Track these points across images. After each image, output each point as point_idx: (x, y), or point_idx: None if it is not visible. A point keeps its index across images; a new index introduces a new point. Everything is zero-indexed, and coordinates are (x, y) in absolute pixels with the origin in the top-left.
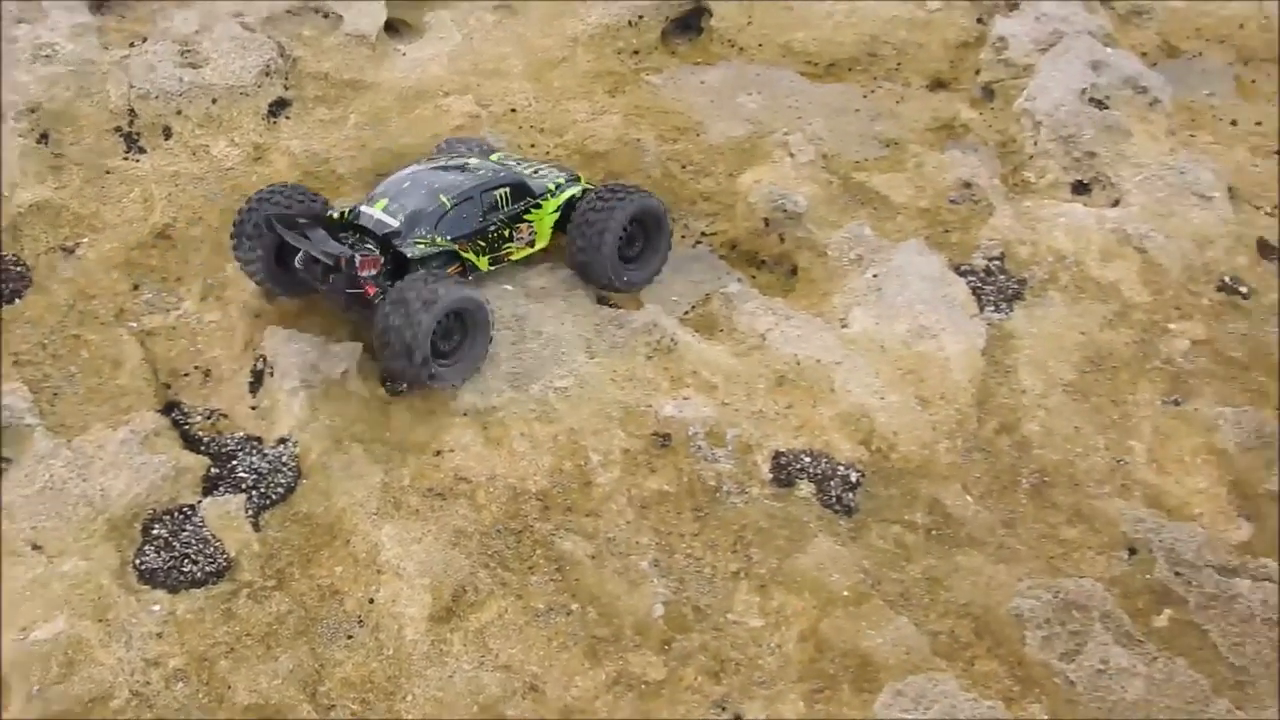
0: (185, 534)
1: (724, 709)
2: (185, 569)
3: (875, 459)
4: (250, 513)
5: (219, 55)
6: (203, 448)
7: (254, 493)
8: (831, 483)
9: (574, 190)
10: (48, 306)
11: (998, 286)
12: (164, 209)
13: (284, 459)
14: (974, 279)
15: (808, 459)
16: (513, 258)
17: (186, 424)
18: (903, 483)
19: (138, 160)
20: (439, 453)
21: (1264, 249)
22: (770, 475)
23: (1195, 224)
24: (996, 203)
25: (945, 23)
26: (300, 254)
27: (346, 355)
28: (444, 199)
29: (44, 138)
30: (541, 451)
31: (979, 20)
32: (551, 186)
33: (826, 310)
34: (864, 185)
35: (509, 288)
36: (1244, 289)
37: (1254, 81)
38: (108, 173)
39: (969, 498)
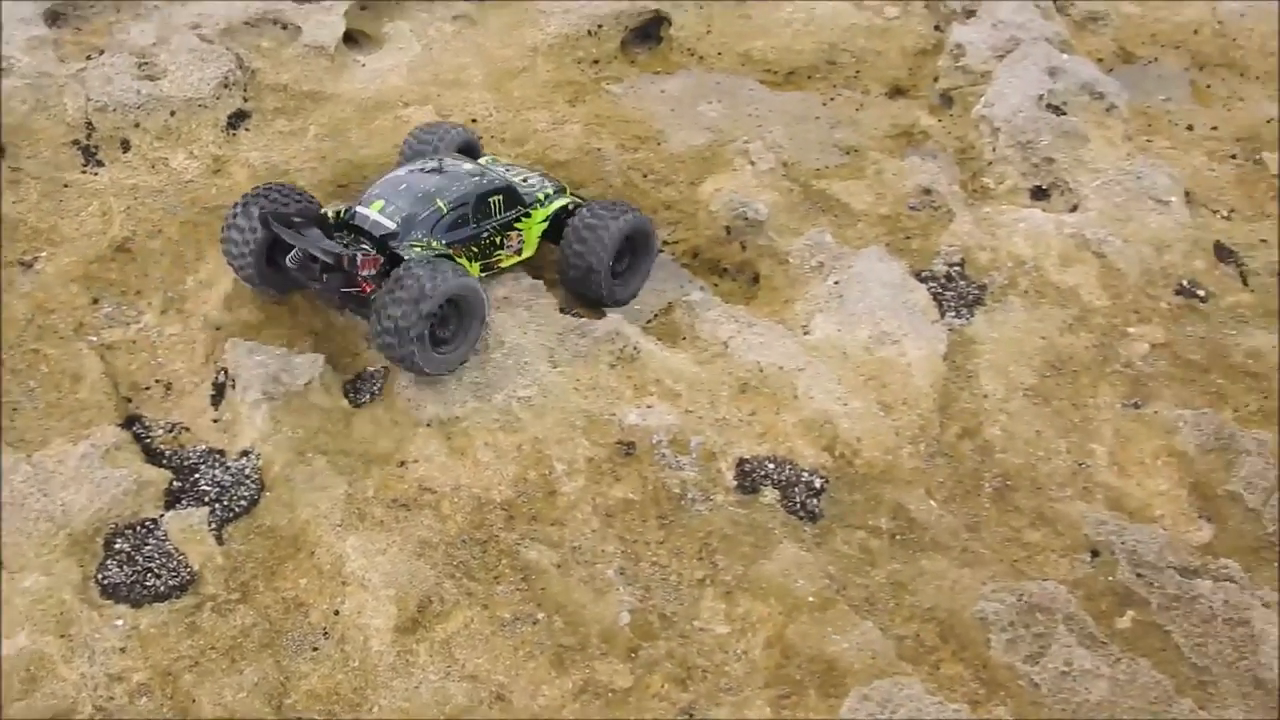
0: (148, 548)
1: (691, 716)
2: (148, 583)
3: (839, 465)
4: (213, 526)
5: (177, 67)
6: (165, 461)
7: (217, 506)
8: (796, 489)
9: (562, 202)
10: (6, 321)
11: (958, 292)
12: (123, 222)
13: (247, 471)
14: (935, 285)
15: (772, 466)
16: (502, 265)
17: (148, 438)
18: (866, 488)
19: (96, 173)
20: (403, 463)
21: (1221, 252)
22: (735, 482)
23: (1153, 228)
24: (956, 209)
25: (903, 30)
26: (293, 252)
27: (309, 367)
28: (441, 204)
29: (0, 151)
30: (506, 461)
31: (937, 28)
32: (541, 197)
33: (788, 317)
34: (824, 192)
35: None
36: (1202, 292)
37: (1209, 86)
38: (66, 186)
39: (933, 502)
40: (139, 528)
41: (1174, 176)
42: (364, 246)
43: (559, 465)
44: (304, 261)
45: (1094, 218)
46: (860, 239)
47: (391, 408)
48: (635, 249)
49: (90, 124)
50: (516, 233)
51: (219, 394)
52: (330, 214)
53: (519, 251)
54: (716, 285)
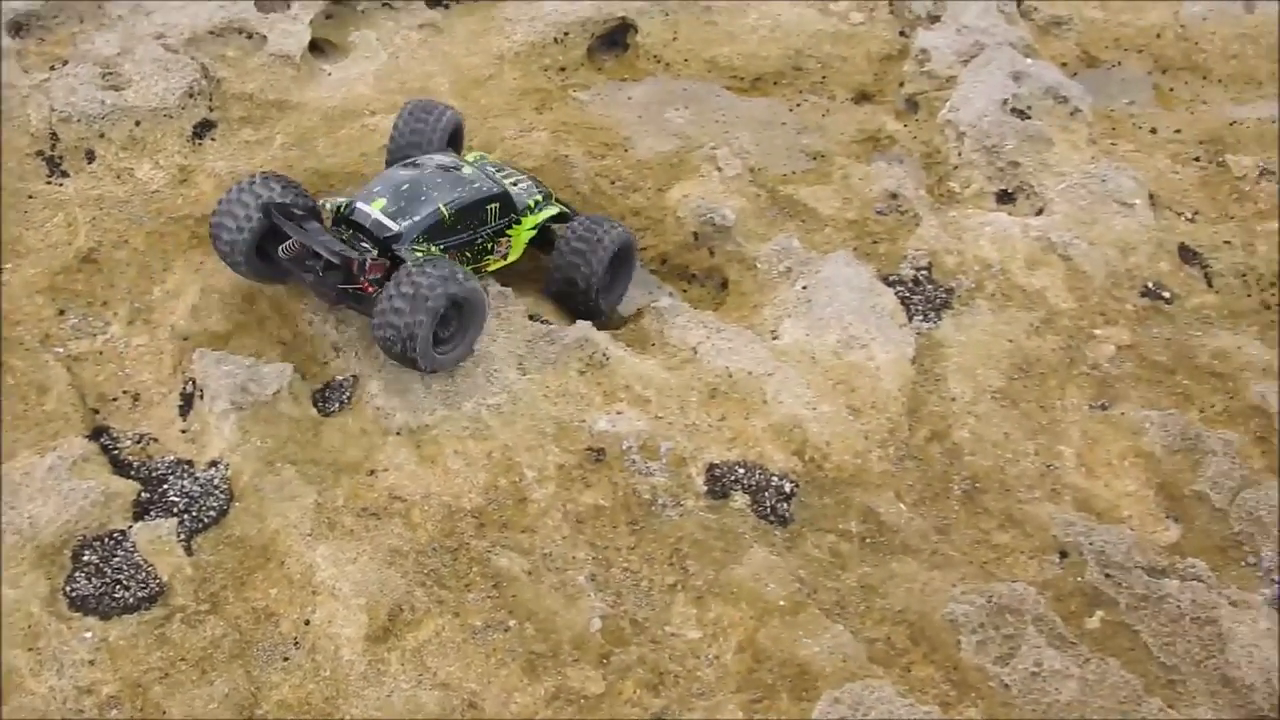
0: (116, 560)
1: None
2: (117, 595)
3: (809, 469)
4: (182, 537)
5: (141, 77)
6: (133, 472)
7: (186, 516)
8: (766, 493)
9: (552, 211)
10: None
11: (926, 296)
12: (88, 233)
13: (216, 482)
14: (902, 289)
15: (742, 470)
16: (489, 269)
17: (116, 449)
18: (836, 492)
19: (60, 184)
20: (372, 472)
21: (1185, 254)
22: (705, 487)
23: (1118, 231)
24: (923, 213)
25: (868, 36)
26: (287, 243)
27: (277, 376)
28: (444, 210)
29: None
30: (476, 469)
31: (901, 33)
32: (531, 203)
33: (757, 322)
34: (792, 198)
35: None
36: (1167, 294)
37: (1172, 90)
38: (30, 197)
39: (902, 505)
40: (107, 539)
41: (1138, 179)
42: (364, 246)
43: (529, 472)
44: (299, 254)
45: (1059, 221)
46: (828, 244)
47: (360, 417)
48: (619, 262)
49: (55, 135)
50: (506, 239)
51: (187, 404)
52: (328, 207)
53: (505, 256)
54: (685, 291)
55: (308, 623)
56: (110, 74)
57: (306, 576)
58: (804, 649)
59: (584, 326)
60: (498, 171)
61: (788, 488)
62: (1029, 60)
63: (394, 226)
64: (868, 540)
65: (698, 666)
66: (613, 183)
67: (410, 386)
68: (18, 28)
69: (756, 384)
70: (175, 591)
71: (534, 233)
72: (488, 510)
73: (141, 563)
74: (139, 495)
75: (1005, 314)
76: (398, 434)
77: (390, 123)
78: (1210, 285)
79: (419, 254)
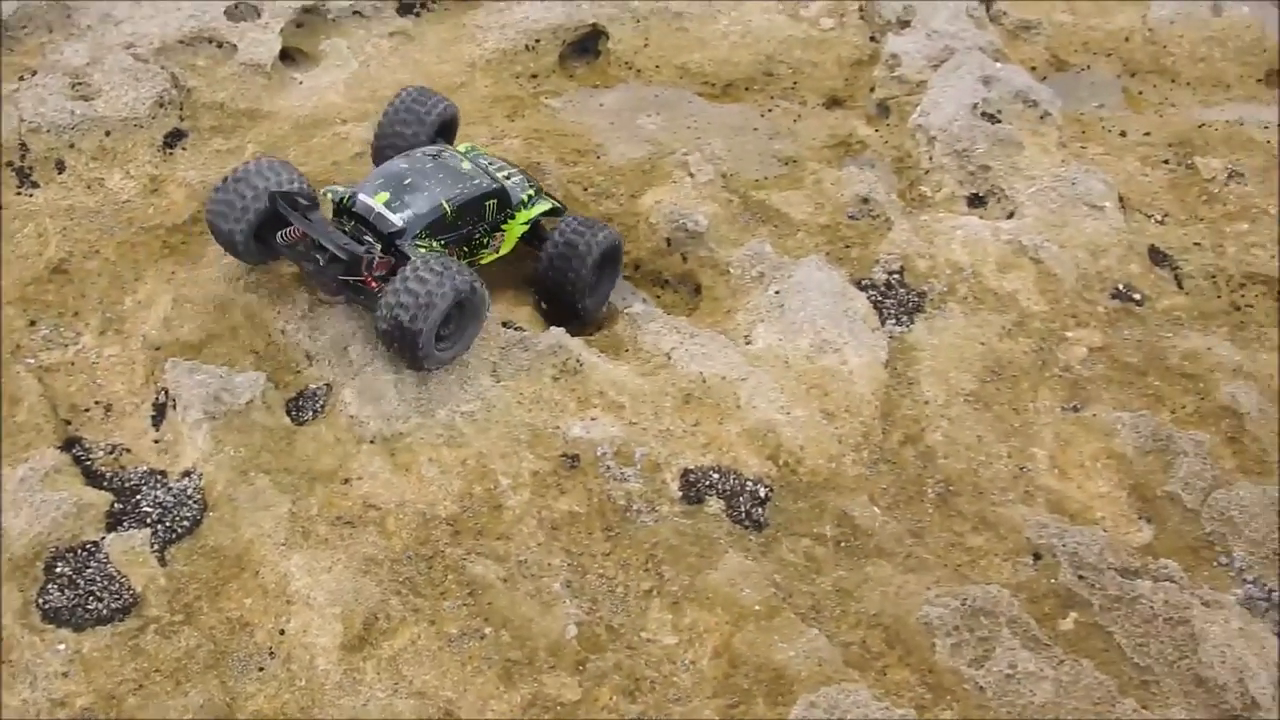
0: (89, 571)
1: None
2: (90, 606)
3: (783, 473)
4: (156, 547)
5: (111, 87)
6: (105, 483)
7: (159, 527)
8: (740, 498)
9: (544, 206)
10: None
11: (898, 300)
12: (59, 243)
13: (189, 492)
14: (874, 293)
15: (716, 475)
16: (482, 262)
17: (88, 460)
18: (811, 496)
19: (31, 195)
20: (347, 481)
21: (1155, 256)
22: (679, 493)
23: (1088, 233)
24: (894, 217)
25: (839, 41)
26: (287, 230)
27: (250, 385)
28: (446, 206)
29: None
30: (450, 476)
31: (872, 38)
32: (524, 198)
33: (730, 328)
34: (764, 203)
35: None
36: (1137, 296)
37: (1141, 93)
38: None
39: (876, 509)
40: (80, 551)
41: (1108, 182)
42: (368, 239)
43: (504, 479)
44: (297, 242)
45: (1030, 224)
46: (800, 248)
47: (334, 425)
48: (606, 264)
49: (24, 145)
50: (500, 233)
51: (159, 415)
52: (330, 197)
53: (497, 249)
54: (658, 297)
55: (282, 632)
56: (80, 84)
57: (281, 586)
58: (780, 653)
59: (557, 333)
60: (490, 165)
61: (762, 492)
62: (999, 64)
63: (397, 221)
64: (842, 544)
65: (674, 672)
66: (585, 189)
67: (384, 394)
68: None
69: (730, 389)
70: (149, 602)
71: (527, 228)
72: (462, 518)
73: (115, 574)
74: (112, 506)
75: (977, 317)
76: (372, 442)
77: (362, 131)
78: (1180, 287)
79: (422, 249)
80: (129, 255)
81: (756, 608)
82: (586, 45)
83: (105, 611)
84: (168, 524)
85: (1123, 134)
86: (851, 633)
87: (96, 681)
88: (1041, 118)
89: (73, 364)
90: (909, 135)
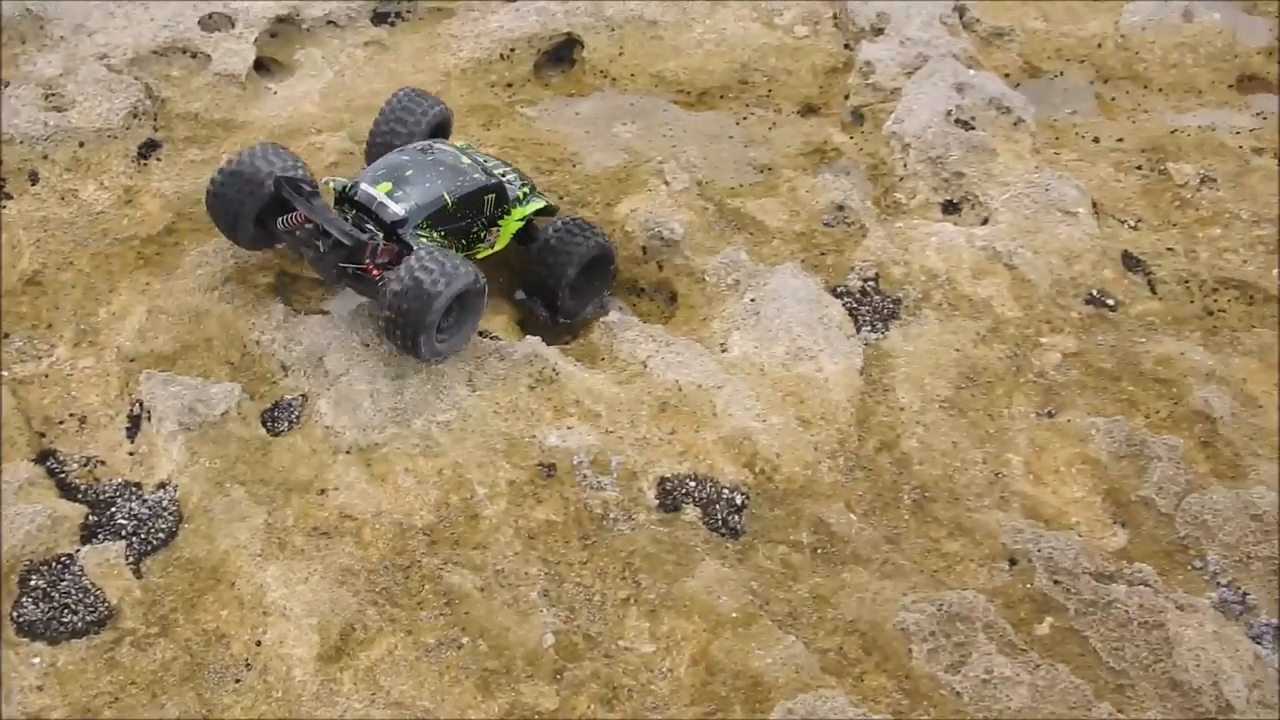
0: (64, 584)
1: None
2: (65, 619)
3: (759, 481)
4: (131, 559)
5: (84, 98)
6: (80, 496)
7: (134, 539)
8: (717, 506)
9: (539, 204)
10: None
11: (873, 307)
12: (33, 255)
13: (164, 504)
14: (850, 300)
15: (693, 483)
16: (477, 257)
17: (62, 472)
18: (787, 503)
19: (4, 206)
20: (323, 491)
21: (1128, 261)
22: (656, 501)
23: (1062, 239)
24: (869, 224)
25: (813, 49)
26: (288, 216)
27: (225, 397)
28: (447, 197)
29: None
30: (426, 486)
31: (846, 46)
32: (520, 195)
33: (706, 335)
34: (739, 211)
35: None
36: (1111, 301)
37: (1113, 99)
38: None
39: (852, 516)
40: (55, 563)
41: (1081, 188)
42: (370, 228)
43: (480, 489)
44: (298, 228)
45: (1004, 230)
46: (775, 256)
47: (310, 436)
48: (597, 267)
49: None
50: (497, 228)
51: (134, 426)
52: (332, 186)
53: (492, 245)
54: (634, 305)
55: (259, 644)
56: (53, 95)
57: (257, 597)
58: (757, 660)
59: (533, 342)
60: (486, 162)
61: (739, 500)
62: (972, 71)
63: (400, 210)
64: (819, 551)
65: (651, 680)
66: (561, 198)
67: (360, 405)
68: None
69: (706, 397)
70: (124, 615)
71: (522, 224)
72: (439, 528)
73: (90, 586)
74: (86, 519)
75: (952, 323)
76: (348, 453)
77: (337, 141)
78: (1154, 292)
79: (423, 239)
80: (103, 267)
81: (734, 615)
82: (561, 54)
83: (80, 624)
84: (143, 536)
85: (1096, 140)
86: (828, 639)
87: (72, 695)
88: (1015, 124)
89: (47, 376)
90: (883, 142)
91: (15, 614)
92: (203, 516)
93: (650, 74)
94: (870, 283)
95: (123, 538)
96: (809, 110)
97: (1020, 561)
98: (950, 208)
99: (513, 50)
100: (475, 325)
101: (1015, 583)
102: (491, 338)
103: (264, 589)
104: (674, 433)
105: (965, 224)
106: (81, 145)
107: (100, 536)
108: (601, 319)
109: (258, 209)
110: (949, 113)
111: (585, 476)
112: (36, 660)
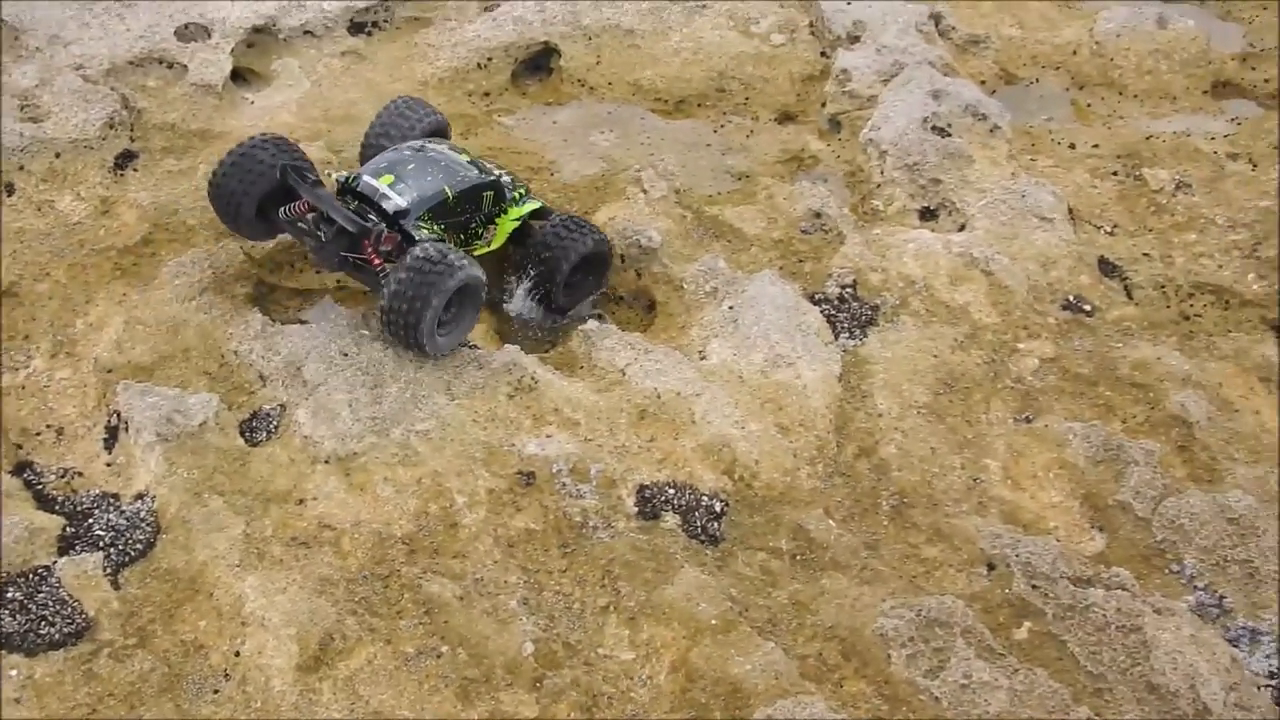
0: (41, 595)
1: None
2: (42, 631)
3: (738, 488)
4: (109, 571)
5: (60, 109)
6: (57, 507)
7: (112, 550)
8: (696, 513)
9: (534, 205)
10: None
11: (851, 313)
12: (9, 266)
13: (142, 514)
14: (828, 307)
15: (672, 491)
16: (474, 254)
17: (39, 484)
18: (766, 510)
19: None
20: (301, 501)
21: (1105, 267)
22: (635, 508)
23: (1038, 245)
24: (847, 231)
25: (790, 57)
26: (290, 205)
27: (203, 407)
28: (448, 191)
29: None
30: (406, 495)
31: (822, 54)
32: (516, 196)
33: (685, 343)
34: (717, 218)
35: (365, 332)
36: (1088, 307)
37: (1089, 105)
38: None
39: (831, 522)
40: (32, 575)
41: (1057, 194)
42: (371, 217)
43: (459, 498)
44: (299, 217)
45: (981, 236)
46: (753, 263)
47: (288, 446)
48: (593, 265)
49: None
50: (493, 226)
51: (112, 437)
52: (334, 178)
53: (488, 243)
54: (613, 313)
55: (238, 654)
56: (28, 105)
57: (236, 607)
58: (736, 667)
59: (512, 351)
60: (482, 162)
61: (718, 507)
62: (948, 79)
63: (402, 201)
64: (798, 557)
65: (631, 688)
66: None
67: (338, 414)
68: None
69: (685, 404)
70: (102, 626)
71: (518, 224)
72: (418, 537)
73: (67, 598)
74: (64, 530)
75: (930, 330)
76: (326, 462)
77: (315, 151)
78: (1130, 297)
79: (425, 231)
80: (80, 277)
81: (713, 622)
82: (539, 63)
83: (58, 636)
84: (121, 547)
85: (1072, 146)
86: (808, 645)
87: (50, 707)
88: (991, 131)
89: (23, 388)
90: (860, 150)
91: None
92: (181, 527)
93: (628, 82)
94: (848, 289)
95: (100, 549)
96: (786, 118)
97: (998, 566)
98: (927, 214)
99: (490, 59)
100: (474, 320)
101: (993, 587)
102: (471, 346)
103: (242, 599)
104: (653, 440)
105: (942, 230)
106: (58, 156)
107: (78, 548)
108: (580, 327)
109: (260, 198)
110: (925, 120)
111: (564, 485)
112: (14, 672)
